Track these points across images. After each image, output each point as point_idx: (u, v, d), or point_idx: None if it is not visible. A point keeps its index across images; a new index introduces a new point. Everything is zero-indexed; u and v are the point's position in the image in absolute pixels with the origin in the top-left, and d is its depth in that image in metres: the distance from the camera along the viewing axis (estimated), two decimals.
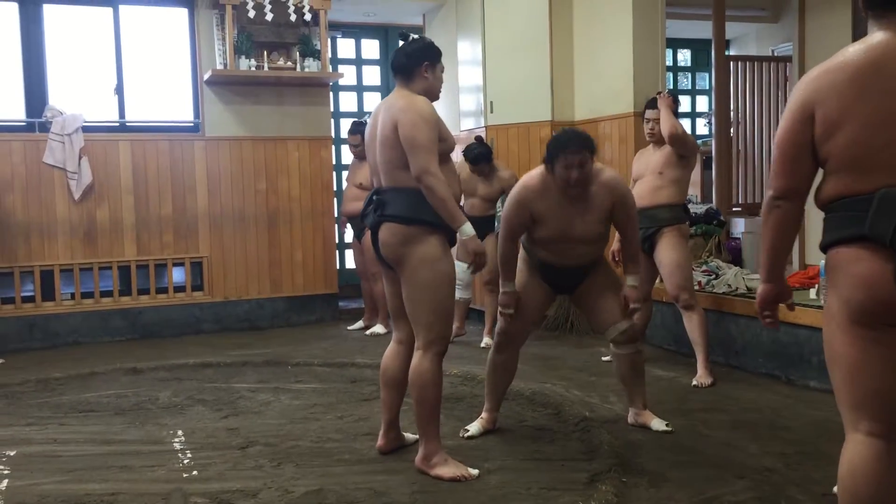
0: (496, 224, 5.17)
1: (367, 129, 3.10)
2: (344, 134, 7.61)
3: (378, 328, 5.86)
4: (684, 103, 8.44)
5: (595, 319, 3.53)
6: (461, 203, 3.15)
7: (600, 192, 3.33)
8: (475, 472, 2.94)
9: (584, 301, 3.52)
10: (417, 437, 3.30)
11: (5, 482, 2.97)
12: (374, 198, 3.03)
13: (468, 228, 2.88)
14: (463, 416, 3.69)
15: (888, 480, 1.72)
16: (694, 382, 4.18)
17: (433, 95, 3.05)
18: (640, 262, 3.65)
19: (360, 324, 6.12)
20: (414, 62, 2.98)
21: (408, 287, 2.96)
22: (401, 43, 3.07)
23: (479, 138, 5.39)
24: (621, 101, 5.40)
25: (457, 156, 5.41)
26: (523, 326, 3.46)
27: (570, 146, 3.23)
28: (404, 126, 2.85)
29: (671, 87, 8.11)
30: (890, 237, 1.64)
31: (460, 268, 5.48)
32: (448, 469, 2.92)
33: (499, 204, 5.17)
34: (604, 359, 4.82)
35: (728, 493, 2.73)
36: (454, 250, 3.01)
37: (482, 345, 5.32)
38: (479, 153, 5.15)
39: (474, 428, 3.44)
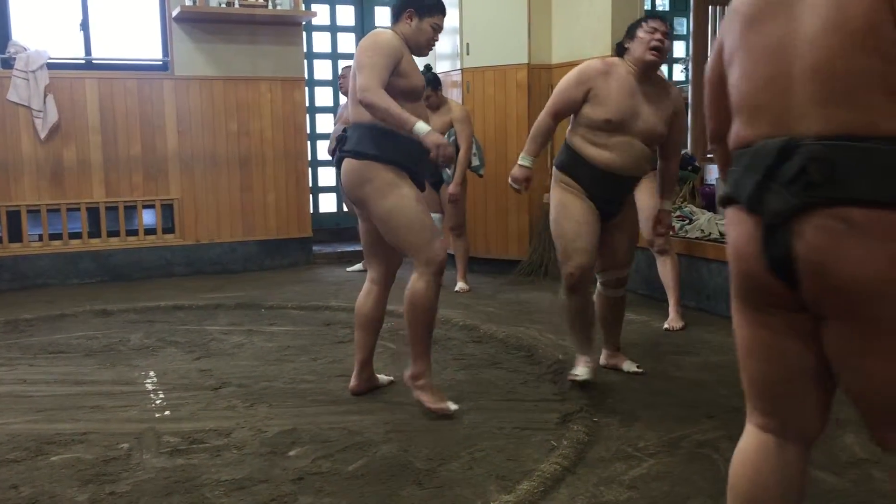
0: (445, 177, 5.14)
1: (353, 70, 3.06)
2: (318, 75, 7.48)
3: (360, 266, 5.82)
4: (679, 48, 8.38)
5: (601, 257, 3.35)
6: None
7: (666, 95, 3.23)
8: (454, 406, 2.96)
9: (603, 235, 3.33)
10: (390, 378, 3.33)
11: None
12: (342, 135, 3.02)
13: (422, 126, 2.76)
14: (438, 358, 3.70)
15: (772, 479, 1.50)
16: (665, 326, 4.23)
17: (415, 47, 2.97)
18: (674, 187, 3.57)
19: (359, 266, 6.05)
20: (400, 6, 2.96)
21: (379, 223, 2.94)
22: None
23: (427, 66, 5.33)
24: (599, 43, 5.34)
25: None
26: (588, 259, 3.22)
27: (655, 17, 3.20)
28: (358, 52, 2.84)
29: None
30: (747, 199, 1.37)
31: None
32: (430, 398, 2.95)
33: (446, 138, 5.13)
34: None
35: (697, 432, 2.77)
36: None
37: (456, 289, 5.32)
38: (430, 77, 5.12)
39: (582, 371, 3.23)
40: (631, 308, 4.66)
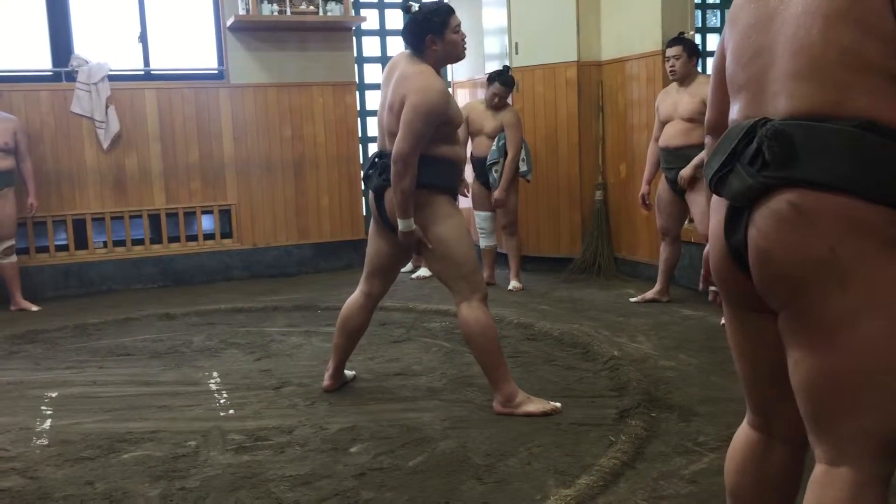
0: (492, 177, 5.16)
1: (382, 85, 3.10)
2: (368, 79, 7.57)
3: (424, 271, 5.87)
4: (712, 42, 8.28)
5: None
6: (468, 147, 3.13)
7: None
8: (558, 404, 2.99)
9: None
10: (353, 373, 3.46)
11: (48, 422, 3.06)
12: (378, 161, 3.04)
13: (407, 223, 2.91)
14: None
15: (757, 477, 1.48)
16: (723, 321, 4.16)
17: (453, 59, 3.01)
18: None
19: (408, 266, 6.11)
20: (417, 38, 2.93)
21: (426, 249, 2.99)
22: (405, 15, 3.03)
23: (506, 67, 5.37)
24: (648, 39, 5.30)
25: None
26: None
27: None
28: (409, 107, 2.84)
29: (699, 24, 7.94)
30: (710, 179, 1.33)
31: (480, 217, 5.50)
32: (535, 405, 2.97)
33: (494, 144, 5.16)
34: (632, 300, 4.83)
35: None
36: (467, 201, 3.01)
37: (510, 288, 5.34)
38: (506, 79, 5.22)
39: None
40: (688, 304, 4.65)
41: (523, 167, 5.23)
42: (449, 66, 7.27)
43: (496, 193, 5.17)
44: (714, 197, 1.38)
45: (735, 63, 1.35)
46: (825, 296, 1.20)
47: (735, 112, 1.35)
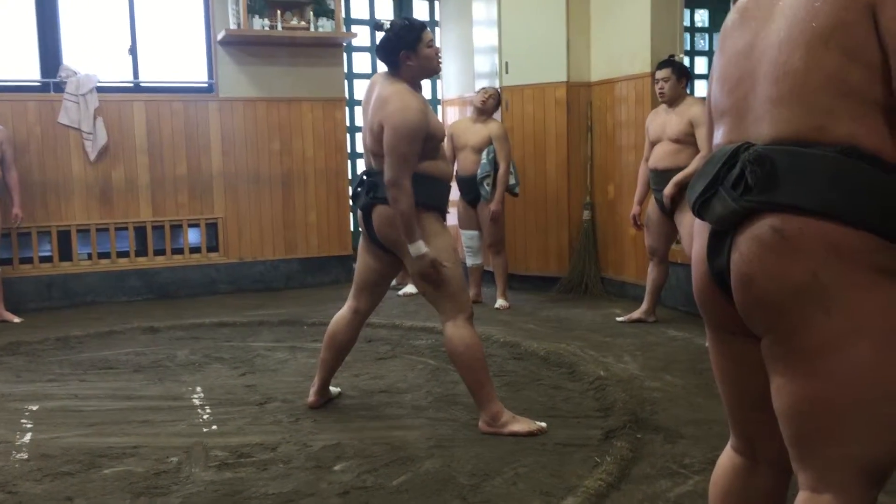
0: (484, 190, 5.18)
1: (363, 104, 3.12)
2: (357, 95, 7.58)
3: (410, 288, 5.86)
4: (700, 65, 8.35)
5: None
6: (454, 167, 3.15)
7: None
8: (543, 424, 2.98)
9: None
10: (339, 389, 3.44)
11: (29, 435, 3.02)
12: (366, 179, 3.05)
13: (418, 247, 2.88)
14: None
15: (743, 500, 1.47)
16: (708, 343, 4.18)
17: (428, 74, 3.03)
18: None
19: (392, 282, 6.08)
20: (391, 55, 2.95)
21: (414, 267, 2.98)
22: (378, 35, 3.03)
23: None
24: (638, 61, 5.34)
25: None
26: None
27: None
28: (389, 132, 2.85)
29: (688, 48, 8.02)
30: (693, 203, 1.32)
31: (467, 235, 5.51)
32: (521, 425, 2.95)
33: (484, 158, 5.19)
34: (618, 319, 4.83)
35: None
36: (453, 219, 3.00)
37: (496, 306, 5.34)
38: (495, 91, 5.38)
39: None
40: (674, 325, 4.66)
41: (511, 180, 5.25)
42: (438, 85, 7.31)
43: (492, 206, 5.18)
44: (697, 221, 1.38)
45: (719, 88, 1.36)
46: (808, 321, 1.19)
47: (719, 136, 1.36)
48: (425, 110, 2.93)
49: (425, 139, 2.90)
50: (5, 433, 3.04)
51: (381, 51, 2.98)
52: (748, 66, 1.29)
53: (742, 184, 1.23)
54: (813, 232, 1.18)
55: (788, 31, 1.22)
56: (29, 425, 3.13)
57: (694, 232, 1.40)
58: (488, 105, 5.29)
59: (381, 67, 3.11)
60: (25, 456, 2.81)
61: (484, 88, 5.38)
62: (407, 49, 2.93)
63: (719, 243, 1.30)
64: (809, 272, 1.18)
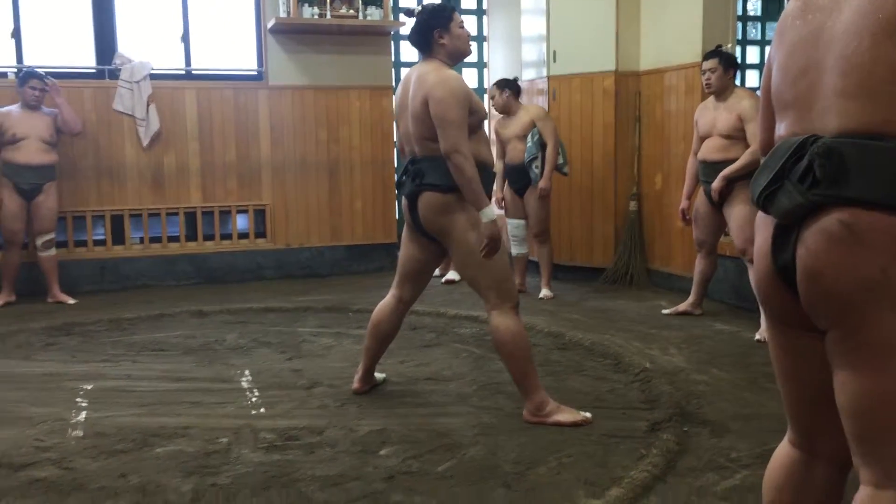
0: (533, 173, 5.16)
1: (398, 98, 3.13)
2: None
3: (452, 275, 5.88)
4: (752, 55, 8.20)
5: None
6: (494, 167, 3.15)
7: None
8: (588, 414, 2.98)
9: None
10: (384, 375, 3.47)
11: (84, 413, 3.10)
12: (411, 167, 3.05)
13: (489, 212, 2.88)
14: None
15: (796, 497, 1.46)
16: (757, 337, 4.13)
17: (461, 55, 3.04)
18: None
19: (436, 272, 6.10)
20: (425, 35, 2.98)
21: (459, 255, 2.99)
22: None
23: (516, 78, 5.45)
24: (688, 50, 5.26)
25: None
26: None
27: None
28: (435, 103, 2.86)
29: (740, 37, 7.87)
30: (757, 197, 1.31)
31: (513, 224, 5.50)
32: (566, 415, 2.95)
33: (530, 142, 5.16)
34: (664, 312, 4.79)
35: None
36: (495, 210, 2.99)
37: (540, 296, 5.33)
38: (504, 80, 5.30)
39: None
40: (721, 318, 4.61)
41: (560, 159, 5.23)
42: (485, 73, 7.30)
43: (541, 183, 5.16)
44: (760, 214, 1.36)
45: (782, 80, 1.34)
46: (875, 317, 1.18)
47: (782, 129, 1.34)
48: (464, 82, 2.94)
49: (471, 112, 2.90)
50: (61, 411, 3.13)
51: (415, 34, 3.01)
52: (814, 57, 1.27)
53: (810, 177, 1.21)
54: (882, 226, 1.16)
55: (855, 22, 1.20)
56: (84, 404, 3.22)
57: (756, 226, 1.38)
58: (499, 103, 5.25)
59: None
60: (81, 434, 2.89)
61: (503, 92, 5.27)
62: (440, 27, 2.96)
63: (785, 238, 1.28)
64: (878, 267, 1.16)
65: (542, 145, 5.15)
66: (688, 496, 2.35)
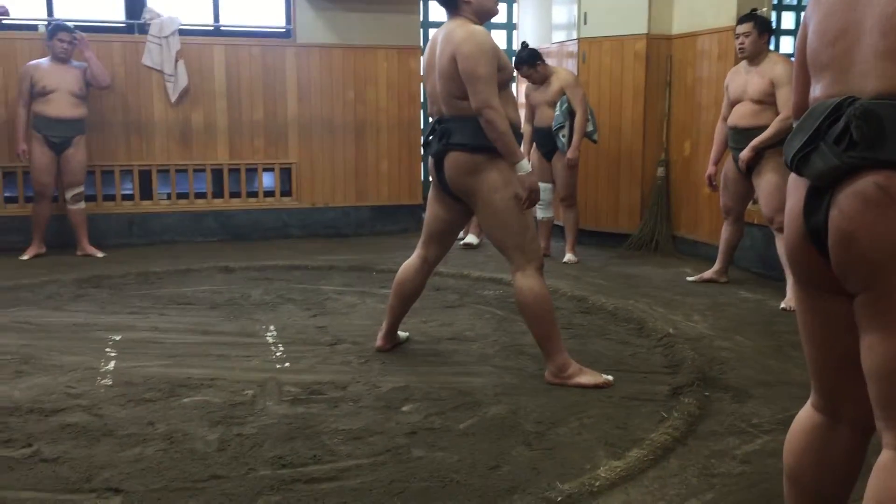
0: (559, 142, 5.12)
1: (425, 58, 3.10)
2: None
3: (471, 238, 5.88)
4: (787, 20, 8.04)
5: None
6: (521, 129, 3.12)
7: None
8: (610, 377, 2.99)
9: None
10: (407, 334, 3.49)
11: (112, 363, 3.16)
12: (438, 126, 3.03)
13: (525, 165, 2.87)
14: None
15: (817, 458, 1.46)
16: (782, 306, 4.11)
17: (488, 13, 3.01)
18: None
19: (472, 238, 6.09)
20: None
21: (485, 216, 2.99)
22: None
23: (524, 44, 5.33)
24: (722, 13, 5.17)
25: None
26: None
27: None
28: (463, 59, 2.84)
29: (776, 1, 7.71)
30: (791, 159, 1.30)
31: (540, 188, 5.46)
32: (588, 377, 2.96)
33: (558, 110, 5.11)
34: (689, 279, 4.77)
35: None
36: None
37: (565, 260, 5.32)
38: (525, 55, 5.17)
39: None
40: (746, 286, 4.58)
41: (589, 126, 5.18)
42: (514, 36, 7.21)
43: (569, 153, 5.13)
44: (792, 176, 1.35)
45: (818, 41, 1.32)
46: None
47: (818, 90, 1.32)
48: (493, 42, 2.91)
49: (499, 68, 2.88)
50: (91, 360, 3.19)
51: None
52: (853, 18, 1.25)
53: (846, 139, 1.20)
54: None
55: None
56: (113, 354, 3.28)
57: (788, 188, 1.37)
58: (537, 77, 5.19)
59: None
60: (110, 382, 2.95)
61: (524, 68, 5.20)
62: None
63: (817, 200, 1.27)
64: None
65: (570, 114, 5.11)
66: (707, 459, 2.36)
